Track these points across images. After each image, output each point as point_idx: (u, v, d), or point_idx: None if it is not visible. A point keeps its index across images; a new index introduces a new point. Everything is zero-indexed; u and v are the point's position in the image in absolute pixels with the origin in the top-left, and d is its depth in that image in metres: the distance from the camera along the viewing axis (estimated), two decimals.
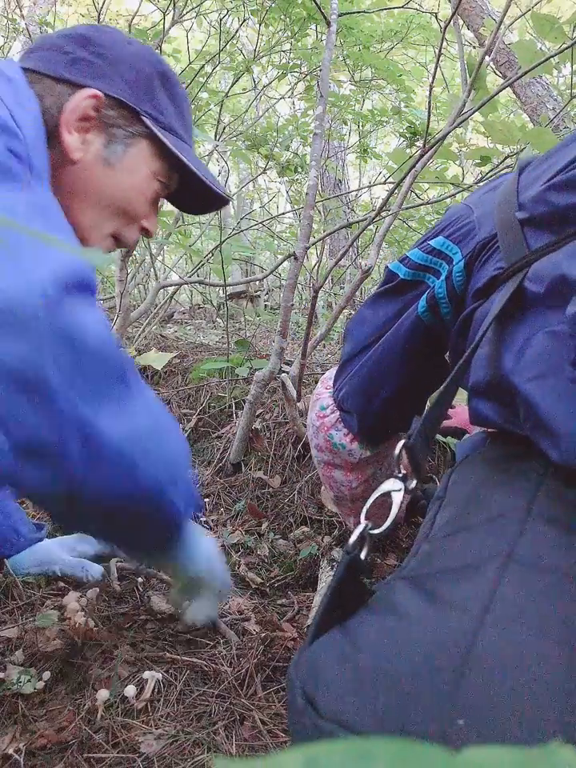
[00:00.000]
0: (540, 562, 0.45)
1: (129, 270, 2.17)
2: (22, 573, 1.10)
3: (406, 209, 2.28)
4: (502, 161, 1.94)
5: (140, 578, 1.16)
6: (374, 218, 1.71)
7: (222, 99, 2.94)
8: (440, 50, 1.48)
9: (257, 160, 3.78)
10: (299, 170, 3.02)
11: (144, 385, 0.68)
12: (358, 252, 3.30)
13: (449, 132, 1.54)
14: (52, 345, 0.54)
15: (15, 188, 0.59)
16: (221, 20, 3.01)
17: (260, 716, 0.85)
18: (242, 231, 3.30)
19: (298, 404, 1.52)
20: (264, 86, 3.65)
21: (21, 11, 3.23)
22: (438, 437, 1.29)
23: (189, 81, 2.63)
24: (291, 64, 3.13)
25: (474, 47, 3.40)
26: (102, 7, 2.62)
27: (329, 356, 2.55)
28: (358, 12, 2.85)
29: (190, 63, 2.84)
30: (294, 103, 4.80)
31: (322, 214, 3.75)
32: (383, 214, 1.81)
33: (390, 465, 1.03)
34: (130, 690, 0.85)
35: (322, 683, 0.41)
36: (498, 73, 3.35)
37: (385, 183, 2.83)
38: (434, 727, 0.36)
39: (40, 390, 0.54)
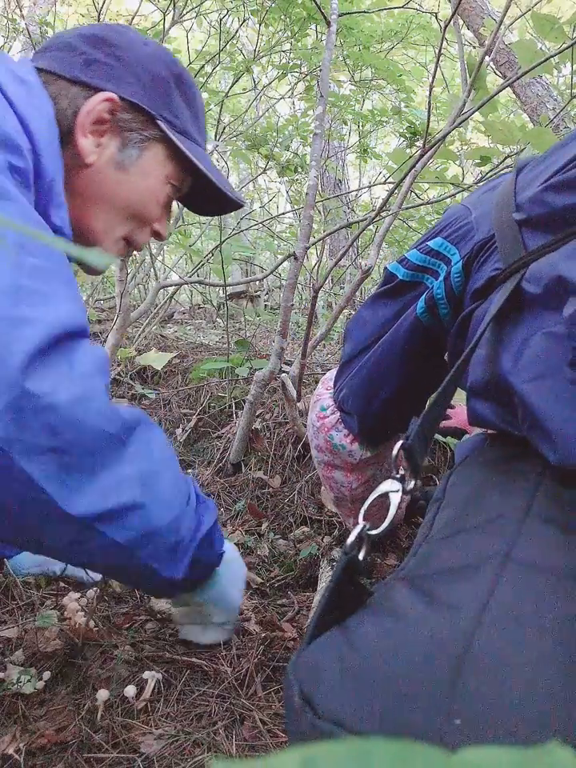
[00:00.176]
0: (538, 563, 0.45)
1: (129, 270, 2.17)
2: (22, 573, 1.10)
3: (406, 209, 2.28)
4: (502, 161, 1.94)
5: (129, 586, 1.15)
6: (374, 218, 1.71)
7: (222, 99, 2.94)
8: (440, 50, 1.48)
9: (257, 160, 3.78)
10: (299, 169, 3.02)
11: (141, 441, 0.64)
12: (358, 252, 3.30)
13: (449, 132, 1.54)
14: (18, 419, 0.53)
15: (6, 207, 0.58)
16: (221, 20, 3.01)
17: (260, 716, 0.85)
18: (242, 231, 3.30)
19: (298, 404, 1.52)
20: (264, 86, 3.65)
21: (21, 11, 3.23)
22: (438, 437, 1.29)
23: None
24: (291, 64, 3.13)
25: (474, 47, 3.40)
26: (101, 7, 2.62)
27: (329, 356, 2.55)
28: (358, 12, 2.85)
29: (190, 63, 2.84)
30: (293, 103, 4.80)
31: (322, 213, 3.75)
32: (383, 214, 1.81)
33: (389, 465, 1.03)
34: (130, 690, 0.85)
35: (319, 683, 0.42)
36: (498, 73, 3.34)
37: (385, 183, 2.83)
38: (432, 727, 0.36)
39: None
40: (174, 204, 0.93)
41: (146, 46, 0.82)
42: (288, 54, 3.16)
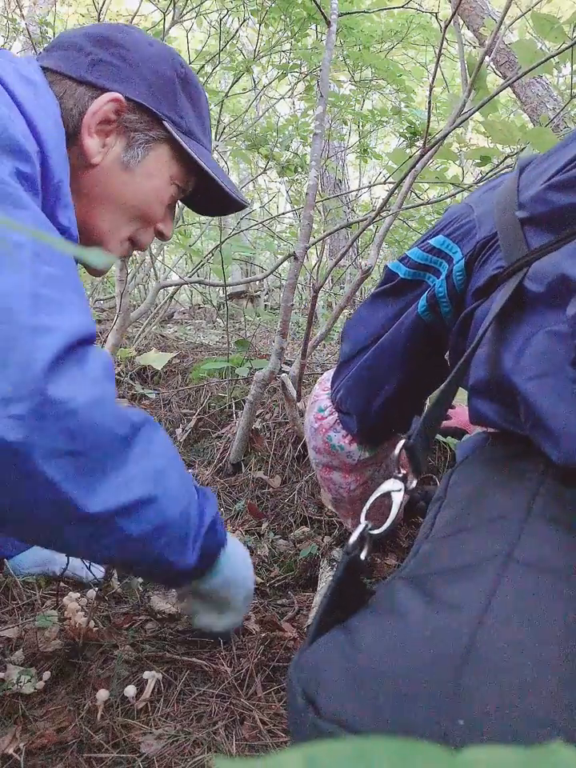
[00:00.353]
0: (540, 563, 0.45)
1: (129, 270, 2.17)
2: (22, 573, 1.10)
3: (406, 209, 2.28)
4: (502, 161, 1.94)
5: (140, 578, 1.16)
6: (374, 218, 1.71)
7: (222, 99, 2.94)
8: (440, 50, 1.48)
9: (257, 160, 3.79)
10: (299, 169, 3.02)
11: (147, 440, 0.66)
12: (358, 252, 3.30)
13: (449, 132, 1.54)
14: (41, 427, 0.55)
15: (20, 215, 0.59)
16: (221, 20, 3.01)
17: (260, 716, 0.85)
18: (242, 231, 3.30)
19: (298, 404, 1.52)
20: (264, 86, 3.65)
21: (21, 11, 3.23)
22: (438, 437, 1.29)
23: None
24: (291, 64, 3.13)
25: (474, 47, 3.40)
26: (101, 7, 2.62)
27: (329, 356, 2.55)
28: (358, 12, 2.85)
29: (190, 63, 2.84)
30: (293, 103, 4.80)
31: (322, 213, 3.75)
32: (383, 214, 1.81)
33: (388, 466, 1.03)
34: (130, 690, 0.85)
35: (322, 683, 0.41)
36: (498, 73, 3.35)
37: (385, 183, 2.83)
38: (434, 727, 0.36)
39: (21, 464, 0.55)
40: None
41: (152, 46, 0.82)
42: (288, 54, 3.16)
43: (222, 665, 0.94)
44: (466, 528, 0.52)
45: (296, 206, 4.07)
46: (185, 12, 2.58)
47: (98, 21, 2.58)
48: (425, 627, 0.42)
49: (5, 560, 1.10)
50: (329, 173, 4.72)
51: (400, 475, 0.57)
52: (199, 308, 4.34)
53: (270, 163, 3.03)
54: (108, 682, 0.88)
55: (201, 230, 3.06)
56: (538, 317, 0.56)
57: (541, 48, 1.76)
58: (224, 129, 3.16)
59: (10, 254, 0.57)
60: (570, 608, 0.41)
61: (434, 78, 1.51)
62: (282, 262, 2.00)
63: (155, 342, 2.60)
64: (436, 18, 2.28)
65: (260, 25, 2.95)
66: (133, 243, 0.88)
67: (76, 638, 0.95)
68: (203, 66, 2.83)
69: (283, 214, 4.30)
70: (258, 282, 4.26)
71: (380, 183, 3.03)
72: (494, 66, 3.24)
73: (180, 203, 0.96)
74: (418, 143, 2.18)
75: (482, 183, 1.68)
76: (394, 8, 3.02)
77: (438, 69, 1.51)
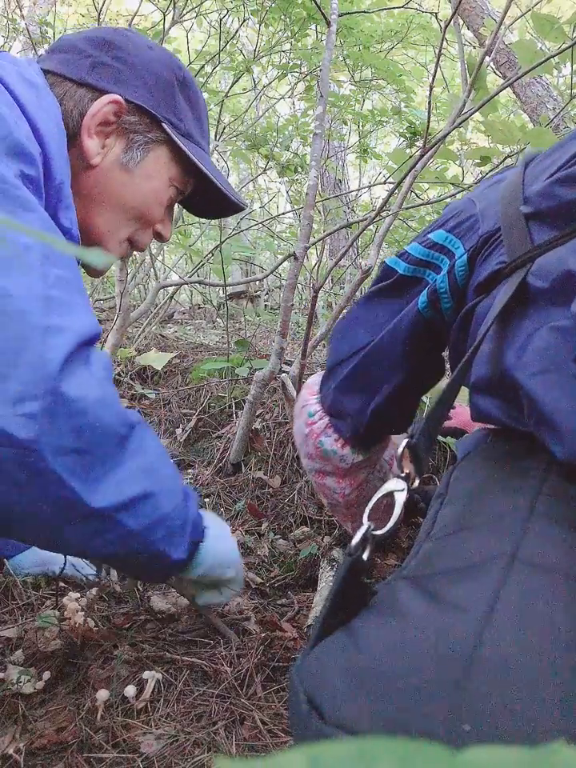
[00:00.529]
0: (545, 563, 0.44)
1: (129, 270, 2.17)
2: (22, 573, 1.10)
3: (406, 209, 2.28)
4: (502, 161, 1.94)
5: (130, 575, 1.15)
6: (374, 218, 1.71)
7: (222, 99, 2.94)
8: (440, 50, 1.48)
9: (257, 160, 3.79)
10: (299, 169, 3.02)
11: (141, 438, 0.68)
12: (358, 252, 3.30)
13: (449, 132, 1.54)
14: (50, 423, 0.57)
15: (29, 218, 0.60)
16: (221, 20, 3.01)
17: (260, 716, 0.85)
18: (242, 231, 3.30)
19: None
20: (264, 86, 3.65)
21: (21, 11, 3.23)
22: (438, 437, 1.29)
23: None
24: (291, 64, 3.13)
25: (474, 47, 3.40)
26: (101, 7, 2.62)
27: None
28: (358, 12, 2.85)
29: (190, 63, 2.84)
30: (294, 103, 4.80)
31: (322, 213, 3.75)
32: (383, 214, 1.81)
33: (382, 467, 1.01)
34: (130, 690, 0.85)
35: (325, 688, 0.41)
36: (498, 73, 3.35)
37: (385, 183, 2.83)
38: (439, 732, 0.35)
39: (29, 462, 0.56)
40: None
41: (151, 50, 0.83)
42: (288, 54, 3.16)
43: (222, 665, 0.94)
44: (468, 526, 0.51)
45: (296, 206, 4.07)
46: (185, 12, 2.58)
47: (98, 20, 2.58)
48: (429, 630, 0.41)
49: (5, 560, 1.10)
50: (329, 173, 4.72)
51: (402, 475, 0.57)
52: (199, 308, 4.34)
53: (269, 163, 3.03)
54: (108, 682, 0.88)
55: (201, 230, 3.06)
56: (542, 313, 0.55)
57: (541, 48, 1.76)
58: (224, 129, 3.16)
59: (19, 256, 0.58)
60: None
61: (433, 78, 1.51)
62: (281, 262, 2.00)
63: (155, 342, 2.60)
64: (436, 18, 2.28)
65: (260, 25, 2.95)
66: (131, 244, 0.88)
67: (76, 638, 0.95)
68: (203, 66, 2.83)
69: (283, 213, 4.30)
70: (257, 282, 4.26)
71: (380, 183, 3.03)
72: (494, 66, 3.24)
73: (180, 206, 0.97)
74: (418, 143, 2.18)
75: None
76: (394, 8, 3.02)
77: (438, 69, 1.51)
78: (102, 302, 3.61)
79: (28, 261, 0.58)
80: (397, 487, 0.56)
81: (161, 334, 2.81)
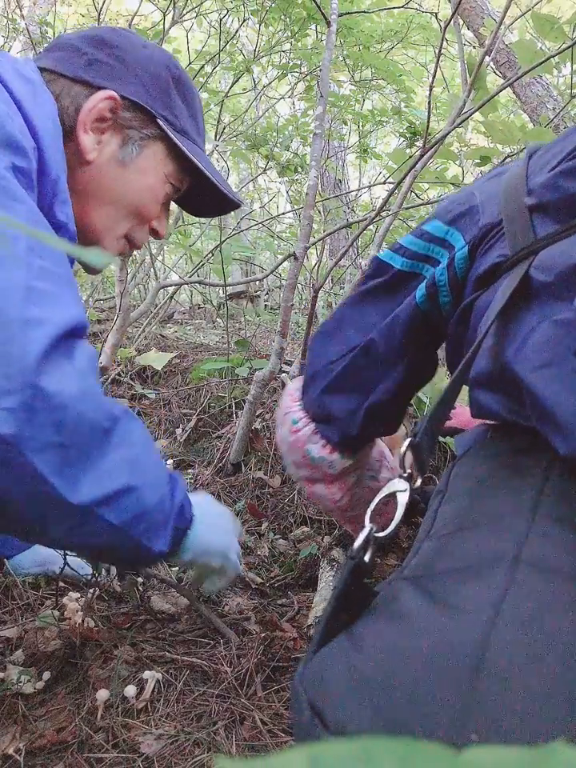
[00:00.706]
0: (548, 564, 0.43)
1: (129, 270, 2.17)
2: (22, 573, 1.10)
3: (406, 209, 2.28)
4: (502, 161, 1.94)
5: (140, 578, 1.16)
6: (373, 218, 1.71)
7: (222, 99, 2.94)
8: (440, 50, 1.48)
9: (257, 160, 3.79)
10: (299, 169, 3.02)
11: (125, 431, 0.67)
12: (358, 252, 3.30)
13: (449, 132, 1.54)
14: (29, 418, 0.56)
15: (16, 208, 0.60)
16: (221, 20, 3.01)
17: (260, 716, 0.85)
18: (242, 231, 3.29)
19: None
20: (264, 86, 3.65)
21: (21, 11, 3.23)
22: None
23: None
24: (291, 64, 3.13)
25: (474, 47, 3.40)
26: (101, 7, 2.62)
27: None
28: (358, 12, 2.85)
29: (190, 63, 2.84)
30: (294, 103, 4.80)
31: (322, 214, 3.75)
32: (383, 214, 1.81)
33: (371, 466, 0.98)
34: (130, 690, 0.85)
35: (329, 695, 0.40)
36: (498, 73, 3.34)
37: (385, 183, 2.83)
38: (445, 741, 0.34)
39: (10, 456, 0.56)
40: (172, 205, 0.94)
41: (146, 48, 0.84)
42: (288, 54, 3.16)
43: (222, 665, 0.94)
44: (469, 526, 0.51)
45: (296, 206, 4.07)
46: (185, 12, 2.58)
47: (98, 20, 2.58)
48: (434, 635, 0.41)
49: (5, 560, 1.10)
50: (329, 173, 4.72)
51: (405, 474, 0.55)
52: (199, 308, 4.34)
53: (269, 163, 3.03)
54: (108, 682, 0.88)
55: (201, 230, 3.06)
56: (544, 307, 0.54)
57: (541, 48, 1.76)
58: (224, 129, 3.16)
59: (5, 246, 0.58)
60: None
61: (433, 78, 1.51)
62: (282, 262, 2.00)
63: (155, 342, 2.60)
64: (436, 18, 2.28)
65: (260, 25, 2.95)
66: (129, 241, 0.89)
67: (76, 638, 0.95)
68: (203, 66, 2.83)
69: (283, 214, 4.30)
70: (257, 282, 4.26)
71: (380, 183, 3.03)
72: (494, 66, 3.24)
73: (178, 207, 0.97)
74: (417, 143, 2.18)
75: None
76: (394, 8, 3.02)
77: (438, 69, 1.51)
78: (102, 301, 3.61)
79: (14, 252, 0.58)
80: (399, 488, 0.55)
81: (161, 334, 2.81)
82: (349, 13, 2.74)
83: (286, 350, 1.85)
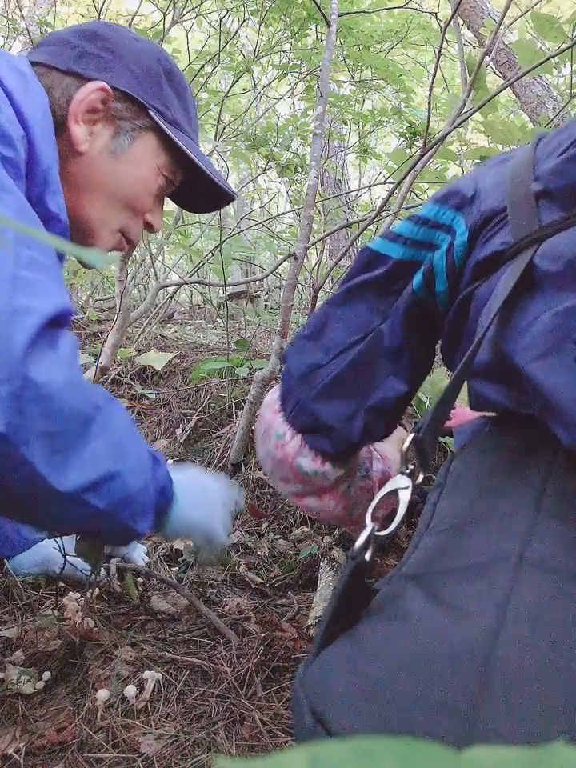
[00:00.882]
0: (554, 564, 0.43)
1: (129, 270, 2.17)
2: (22, 573, 1.10)
3: (406, 209, 2.28)
4: None
5: (140, 578, 1.16)
6: (374, 218, 1.71)
7: (222, 99, 2.94)
8: (440, 50, 1.48)
9: (257, 160, 3.79)
10: (299, 170, 3.02)
11: (108, 417, 0.67)
12: (357, 252, 3.30)
13: (449, 132, 1.54)
14: (14, 405, 0.56)
15: (4, 198, 0.60)
16: (221, 20, 3.01)
17: (260, 716, 0.85)
18: (242, 231, 3.29)
19: None
20: (264, 86, 3.65)
21: (21, 11, 3.23)
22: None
23: (189, 81, 2.63)
24: (291, 64, 3.13)
25: (474, 47, 3.40)
26: (101, 7, 2.62)
27: None
28: (358, 12, 2.85)
29: (190, 63, 2.84)
30: (294, 103, 4.80)
31: (322, 214, 3.75)
32: (383, 214, 1.81)
33: (362, 465, 0.95)
34: (130, 690, 0.85)
35: (331, 700, 0.39)
36: (498, 73, 3.34)
37: (385, 183, 2.83)
38: (455, 746, 0.34)
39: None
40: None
41: (138, 42, 0.85)
42: (288, 54, 3.16)
43: (222, 665, 0.94)
44: (471, 522, 0.50)
45: (296, 206, 4.07)
46: (185, 12, 2.58)
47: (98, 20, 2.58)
48: (439, 638, 0.40)
49: (5, 560, 1.10)
50: (329, 173, 4.72)
51: (407, 471, 0.53)
52: (199, 308, 4.34)
53: (269, 163, 3.04)
54: (108, 682, 0.88)
55: (201, 230, 3.06)
56: (548, 298, 0.52)
57: (541, 48, 1.76)
58: (224, 129, 3.16)
59: None
60: None
61: (433, 78, 1.51)
62: (282, 262, 2.00)
63: (155, 342, 2.60)
64: (436, 18, 2.28)
65: (260, 25, 2.95)
66: (124, 235, 0.89)
67: (76, 638, 0.95)
68: (203, 66, 2.83)
69: (283, 214, 4.30)
70: (257, 282, 4.26)
71: (380, 183, 3.03)
72: (493, 66, 3.24)
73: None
74: (417, 143, 2.18)
75: None
76: (394, 8, 3.02)
77: (438, 69, 1.51)
78: (102, 301, 3.61)
79: (2, 241, 0.58)
80: (401, 485, 0.53)
81: (161, 334, 2.81)
82: (349, 13, 2.74)
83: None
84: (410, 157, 1.90)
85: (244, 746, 0.80)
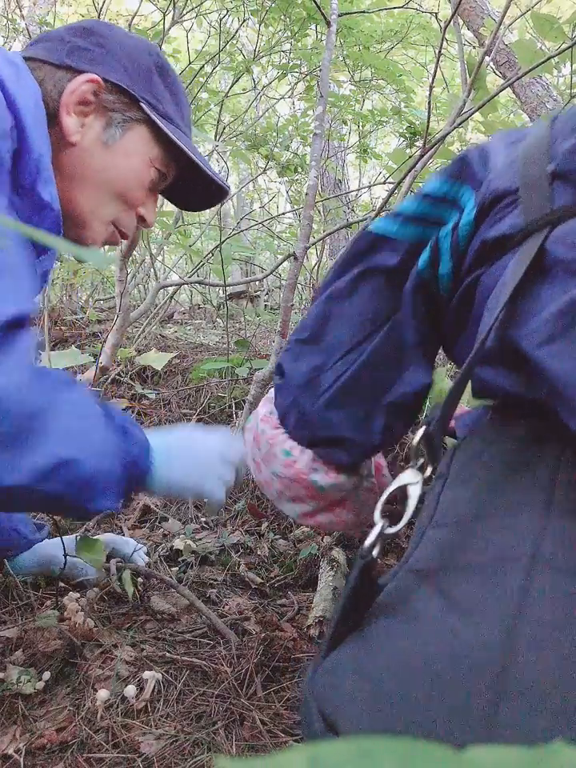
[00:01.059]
0: (567, 565, 0.42)
1: (129, 270, 2.17)
2: (22, 573, 1.10)
3: None
4: None
5: (140, 578, 1.16)
6: (374, 218, 1.71)
7: (222, 99, 2.94)
8: (440, 50, 1.48)
9: (257, 160, 3.79)
10: (299, 170, 3.02)
11: (65, 404, 0.67)
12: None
13: (449, 132, 1.54)
14: None
15: None
16: (221, 20, 3.01)
17: (260, 716, 0.85)
18: (242, 231, 3.29)
19: None
20: (264, 86, 3.65)
21: (21, 11, 3.23)
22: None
23: (189, 81, 2.63)
24: (291, 64, 3.13)
25: (474, 47, 3.40)
26: (101, 7, 2.62)
27: None
28: (358, 12, 2.85)
29: (190, 63, 2.84)
30: (293, 103, 4.80)
31: (322, 214, 3.75)
32: (383, 214, 1.80)
33: (365, 465, 0.92)
34: (130, 690, 0.85)
35: (341, 705, 0.39)
36: (497, 73, 3.34)
37: (385, 183, 2.83)
38: None
39: None
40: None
41: (130, 37, 0.86)
42: (288, 54, 3.16)
43: (222, 665, 0.94)
44: (479, 518, 0.49)
45: (296, 206, 4.06)
46: (185, 12, 2.58)
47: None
48: (451, 640, 0.39)
49: (5, 560, 1.10)
50: (329, 173, 4.72)
51: (417, 465, 0.51)
52: (199, 308, 4.34)
53: (269, 163, 3.04)
54: (108, 682, 0.88)
55: (201, 230, 3.06)
56: (558, 284, 0.50)
57: (541, 48, 1.76)
58: (224, 129, 3.16)
59: None
60: None
61: (433, 78, 1.51)
62: (282, 262, 2.00)
63: (155, 342, 2.60)
64: (436, 18, 2.28)
65: (260, 25, 2.95)
66: (117, 228, 0.89)
67: (76, 638, 0.95)
68: (203, 66, 2.83)
69: (283, 214, 4.30)
70: (257, 282, 4.26)
71: (380, 183, 3.03)
72: (493, 66, 3.24)
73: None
74: (417, 143, 2.18)
75: None
76: (394, 8, 3.02)
77: (438, 69, 1.51)
78: (102, 301, 3.61)
79: None
80: (411, 480, 0.50)
81: (161, 334, 2.81)
82: (349, 13, 2.74)
83: None
84: (410, 157, 1.91)
85: (244, 746, 0.81)
